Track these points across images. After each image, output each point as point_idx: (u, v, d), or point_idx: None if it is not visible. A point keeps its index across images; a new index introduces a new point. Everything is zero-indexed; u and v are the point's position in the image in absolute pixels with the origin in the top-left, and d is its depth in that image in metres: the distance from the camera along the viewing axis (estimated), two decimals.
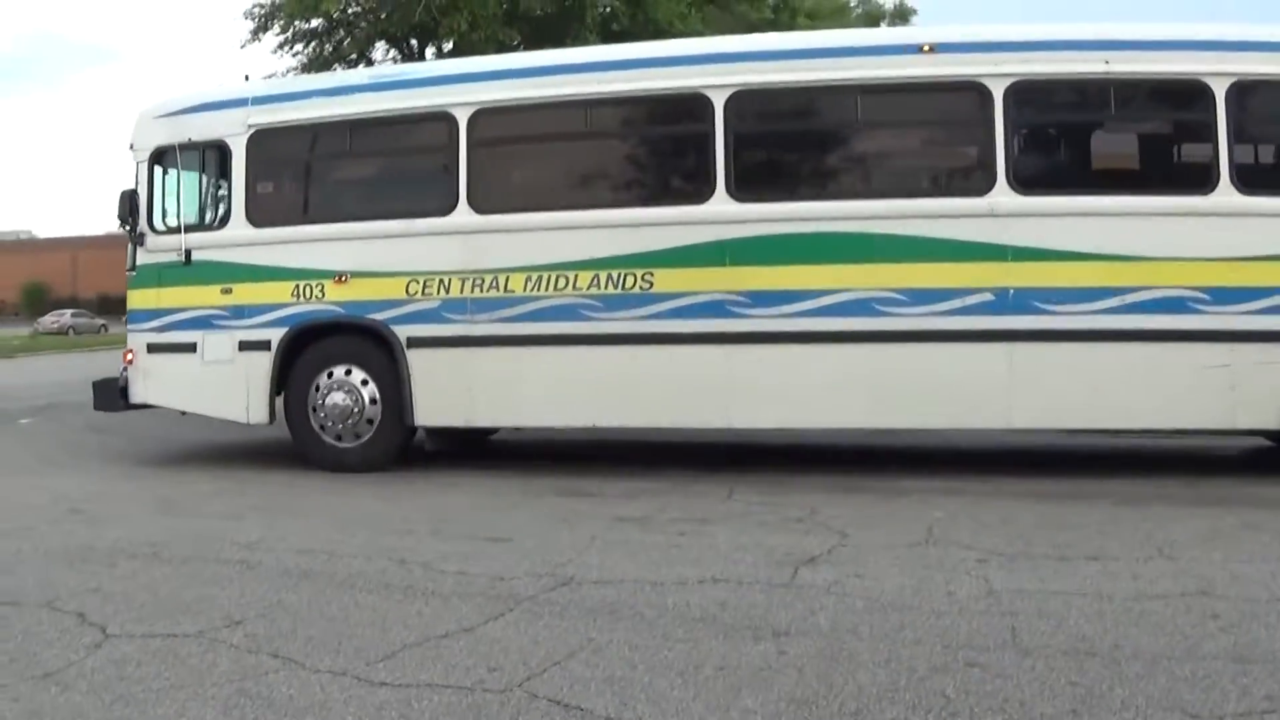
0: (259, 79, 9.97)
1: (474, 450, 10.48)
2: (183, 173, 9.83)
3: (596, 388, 8.57)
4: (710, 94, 8.21)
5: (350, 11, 22.59)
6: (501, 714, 3.86)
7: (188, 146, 9.64)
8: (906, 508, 7.13)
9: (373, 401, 9.10)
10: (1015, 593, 5.10)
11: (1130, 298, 7.63)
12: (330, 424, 9.20)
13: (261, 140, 9.45)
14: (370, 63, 23.89)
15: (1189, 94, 7.80)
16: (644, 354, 8.36)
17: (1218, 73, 7.61)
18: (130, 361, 9.93)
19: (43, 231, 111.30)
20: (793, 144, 8.83)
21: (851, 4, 36.10)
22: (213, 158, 9.63)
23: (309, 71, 23.01)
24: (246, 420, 9.48)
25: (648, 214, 8.47)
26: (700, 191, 8.33)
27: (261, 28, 23.46)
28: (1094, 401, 7.81)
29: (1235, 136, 7.62)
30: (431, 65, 9.08)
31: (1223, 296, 7.57)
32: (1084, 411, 7.92)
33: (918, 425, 8.45)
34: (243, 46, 23.86)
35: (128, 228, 9.86)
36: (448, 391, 8.94)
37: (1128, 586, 5.15)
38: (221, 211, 9.64)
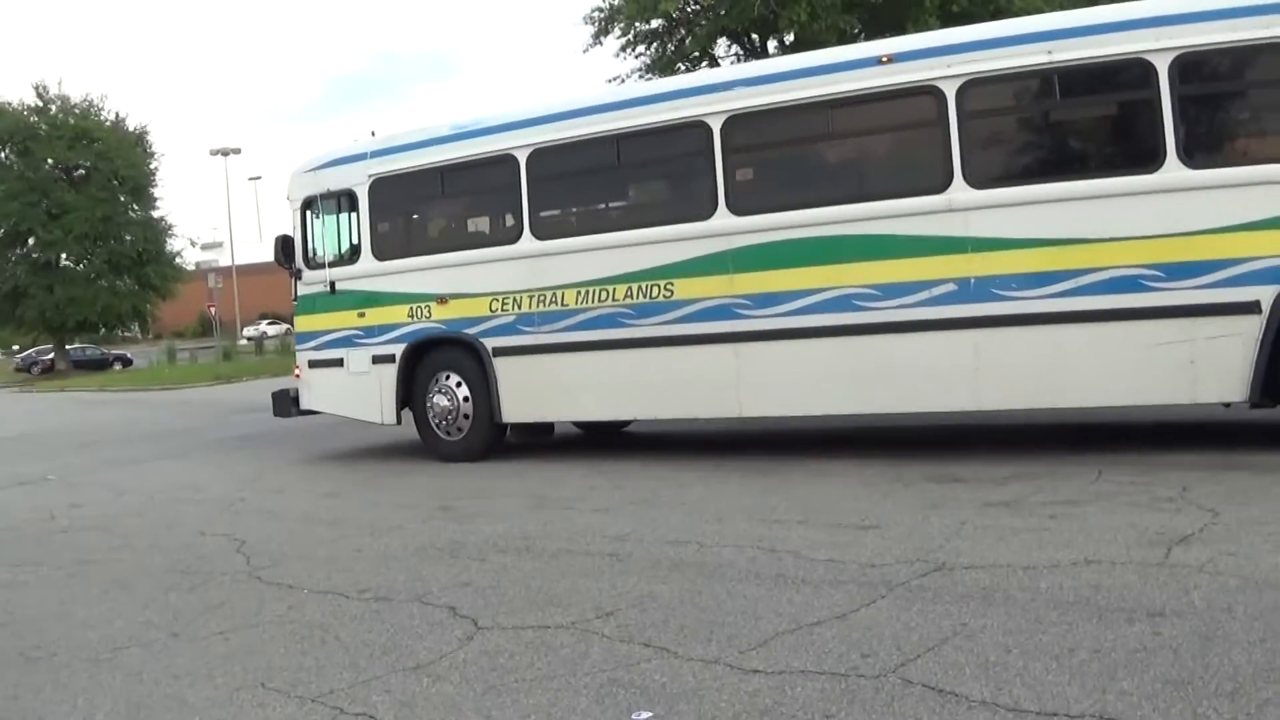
0: (385, 131, 12.18)
1: (544, 441, 12.36)
2: (325, 217, 12.44)
3: (633, 384, 10.23)
4: (710, 121, 9.60)
5: (690, 10, 24.14)
6: (875, 700, 3.94)
7: (327, 195, 12.24)
8: None
9: (466, 401, 11.29)
10: None
11: (1086, 279, 8.21)
12: (439, 421, 11.53)
13: (379, 187, 11.85)
14: (714, 59, 25.41)
15: (1132, 73, 8.19)
16: (669, 354, 9.91)
17: (1158, 49, 7.97)
18: (298, 375, 12.82)
19: None
20: (777, 160, 10.04)
21: None
22: (345, 204, 12.13)
23: (652, 71, 25.09)
24: (381, 421, 11.96)
25: (666, 231, 9.96)
26: (707, 208, 9.74)
27: (602, 31, 25.25)
28: (1057, 381, 8.46)
29: (1180, 111, 7.95)
30: (497, 114, 10.93)
31: (1176, 272, 7.97)
32: (1048, 391, 8.57)
33: (894, 409, 9.42)
34: (585, 51, 26.62)
35: (286, 267, 12.72)
36: (524, 392, 10.94)
37: None
38: (354, 248, 12.15)
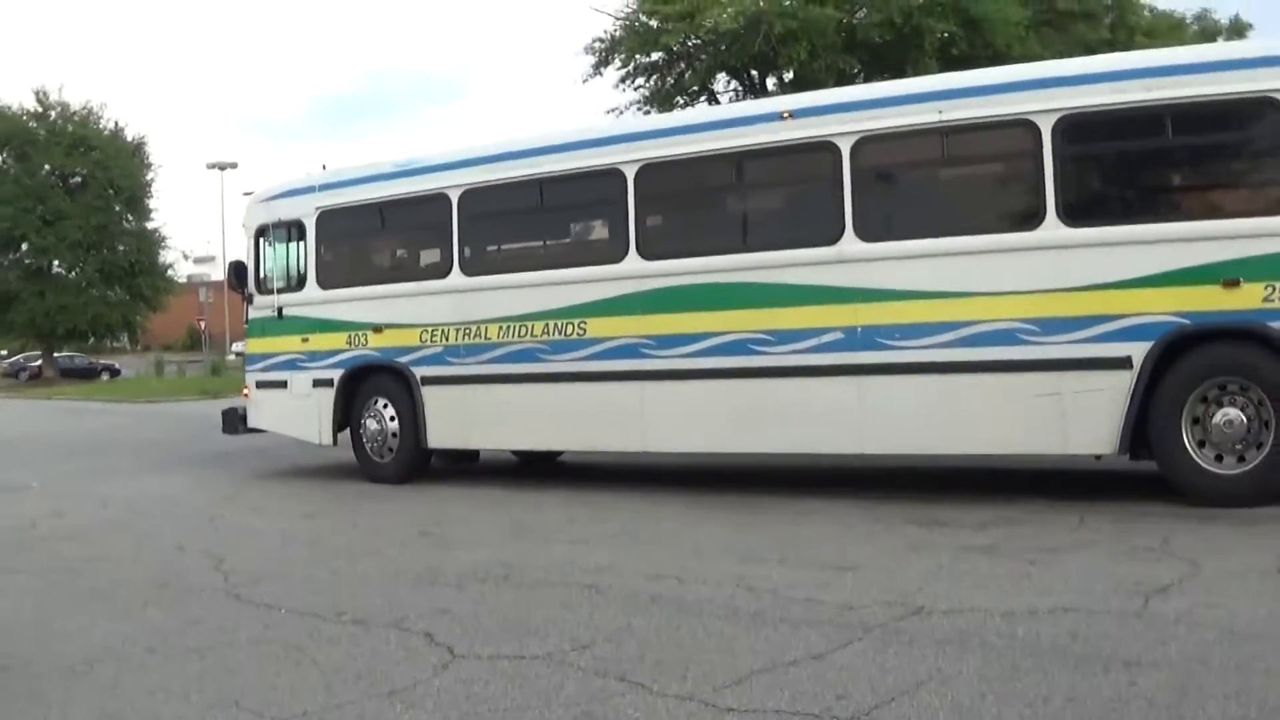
0: (330, 167, 13.02)
1: (465, 467, 12.96)
2: (276, 245, 13.12)
3: (548, 416, 10.82)
4: (625, 169, 10.19)
5: (690, 44, 24.93)
6: None
7: (278, 224, 12.95)
8: (1261, 536, 7.21)
9: (393, 423, 11.91)
10: None
11: (965, 331, 8.68)
12: (370, 444, 12.17)
13: (325, 219, 12.52)
14: (712, 95, 26.34)
15: (1016, 133, 8.65)
16: (582, 389, 10.49)
17: (1042, 110, 8.45)
18: (247, 394, 13.51)
19: None
20: (685, 208, 10.70)
21: (1188, 20, 35.96)
22: (295, 233, 12.82)
23: (651, 104, 26.09)
24: (319, 442, 12.60)
25: (582, 273, 10.58)
26: (619, 252, 10.35)
27: (602, 62, 26.27)
28: (937, 429, 8.92)
29: (1061, 170, 8.43)
30: (435, 153, 11.71)
31: (1050, 327, 8.41)
32: (928, 438, 9.04)
33: (785, 450, 9.95)
34: (584, 81, 26.90)
35: (238, 291, 13.50)
36: (449, 419, 11.52)
37: None
38: (301, 276, 12.81)
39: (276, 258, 13.23)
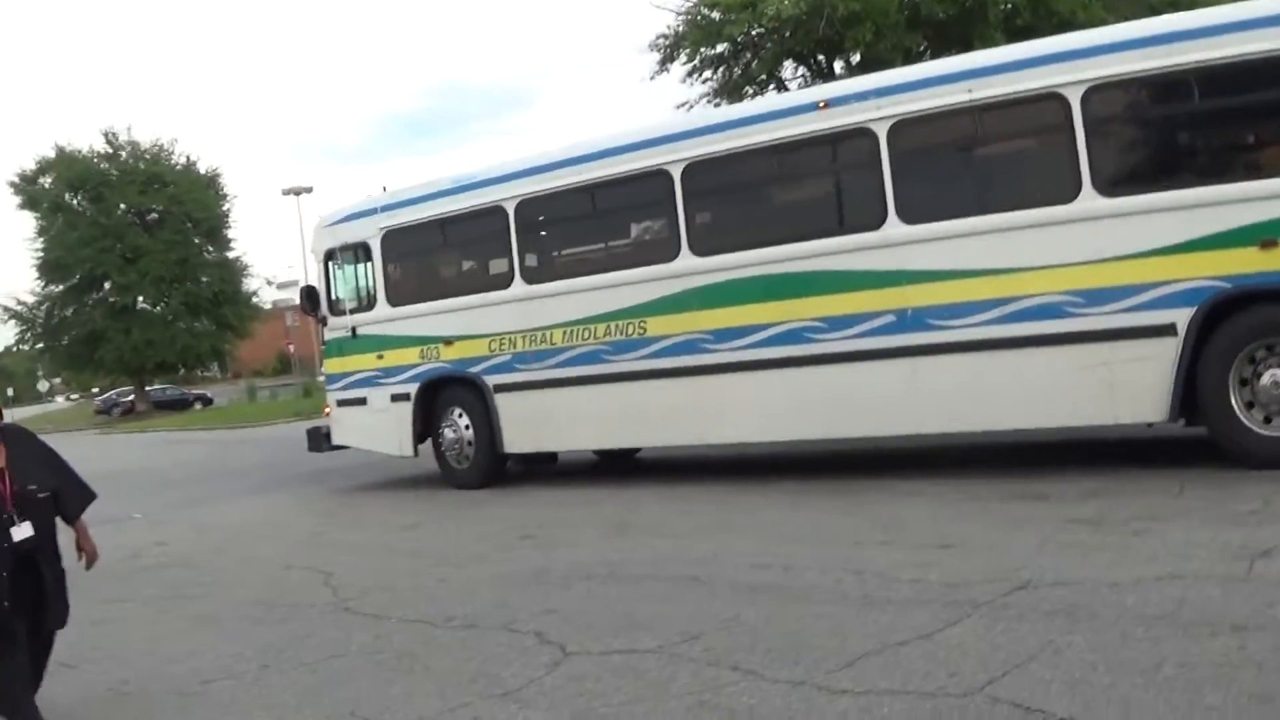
0: (394, 187, 13.67)
1: (544, 469, 13.55)
2: (345, 267, 14.00)
3: (616, 415, 11.42)
4: (670, 169, 10.74)
5: (754, 34, 24.95)
6: (963, 719, 4.12)
7: (345, 248, 13.81)
8: None
9: (468, 432, 12.68)
10: None
11: (1011, 307, 8.99)
12: (448, 452, 12.94)
13: (389, 239, 13.34)
14: (780, 82, 26.46)
15: (1047, 106, 8.92)
16: (645, 387, 11.05)
17: (1071, 81, 8.70)
18: (328, 413, 14.40)
19: None
20: (731, 202, 11.15)
21: None
22: (361, 254, 13.66)
23: (720, 96, 26.33)
24: (400, 454, 13.41)
25: (637, 274, 11.15)
26: (671, 251, 10.90)
27: (668, 58, 26.55)
28: (989, 405, 9.24)
29: (1093, 141, 8.66)
30: (489, 167, 12.34)
31: (1095, 298, 8.67)
32: (981, 415, 9.36)
33: (845, 434, 10.32)
34: (651, 78, 26.99)
35: (311, 314, 14.37)
36: (522, 424, 12.21)
37: None
38: (371, 296, 13.65)
39: (346, 279, 14.08)
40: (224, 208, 56.34)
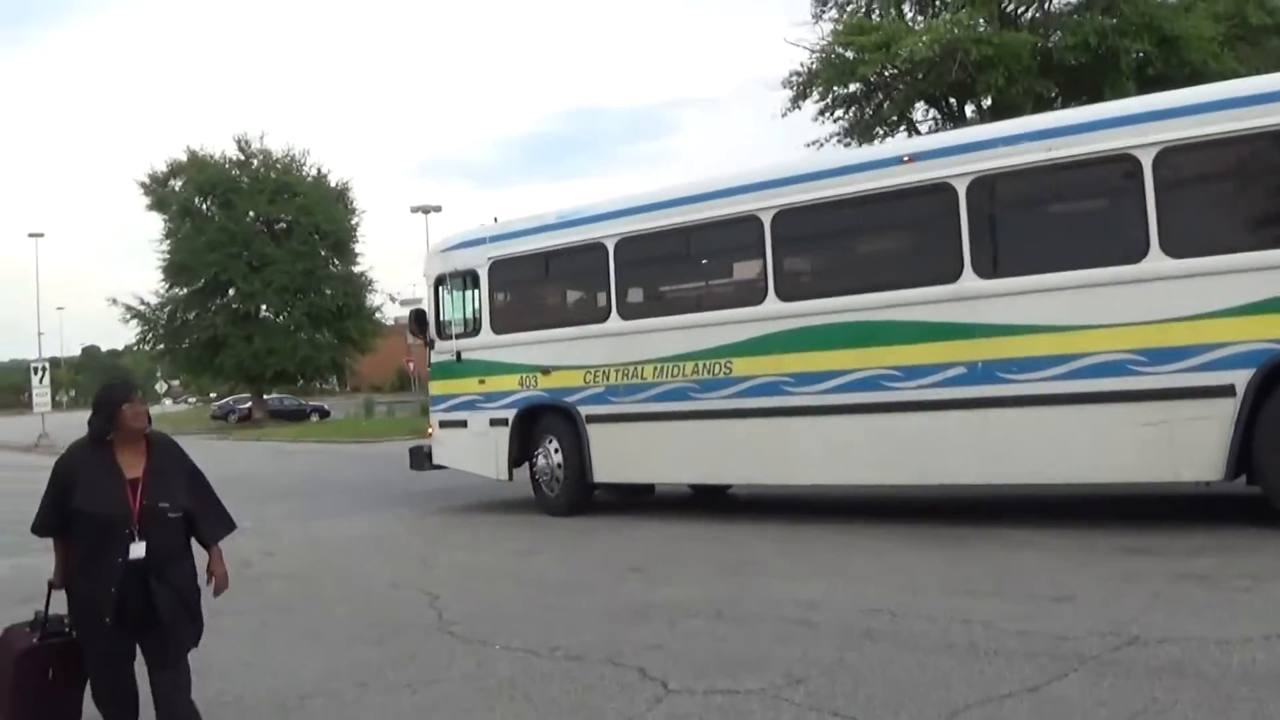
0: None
1: (639, 500, 14.33)
2: (454, 293, 15.19)
3: (701, 451, 12.25)
4: (761, 215, 11.61)
5: (887, 74, 26.27)
6: None
7: (455, 274, 14.99)
8: None
9: (559, 458, 13.67)
10: None
11: (1079, 363, 9.55)
12: (542, 478, 13.96)
13: (496, 268, 14.49)
14: (911, 124, 27.75)
15: (1120, 168, 9.50)
16: (729, 425, 11.87)
17: (1144, 144, 9.28)
18: (431, 433, 15.58)
19: None
20: (817, 249, 11.99)
21: None
22: (470, 282, 14.84)
23: (851, 135, 27.60)
24: (496, 477, 14.48)
25: (726, 315, 12.03)
26: (759, 294, 11.74)
27: (800, 95, 27.66)
28: (1055, 458, 9.75)
29: (1163, 203, 9.22)
30: (593, 204, 13.20)
31: (1158, 357, 9.20)
32: (1048, 467, 9.87)
33: (916, 482, 10.99)
34: (784, 115, 28.04)
35: (420, 337, 15.56)
36: (612, 455, 13.16)
37: None
38: (476, 322, 14.81)
39: (454, 305, 15.27)
40: (353, 221, 58.14)
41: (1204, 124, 9.21)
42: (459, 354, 14.95)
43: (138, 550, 4.93)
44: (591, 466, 13.44)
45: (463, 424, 14.93)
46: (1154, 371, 9.34)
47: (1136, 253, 9.47)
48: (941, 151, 10.77)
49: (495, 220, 15.22)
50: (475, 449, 14.75)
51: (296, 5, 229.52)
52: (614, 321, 13.25)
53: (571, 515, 13.61)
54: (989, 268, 10.28)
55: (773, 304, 11.73)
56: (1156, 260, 9.35)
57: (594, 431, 13.38)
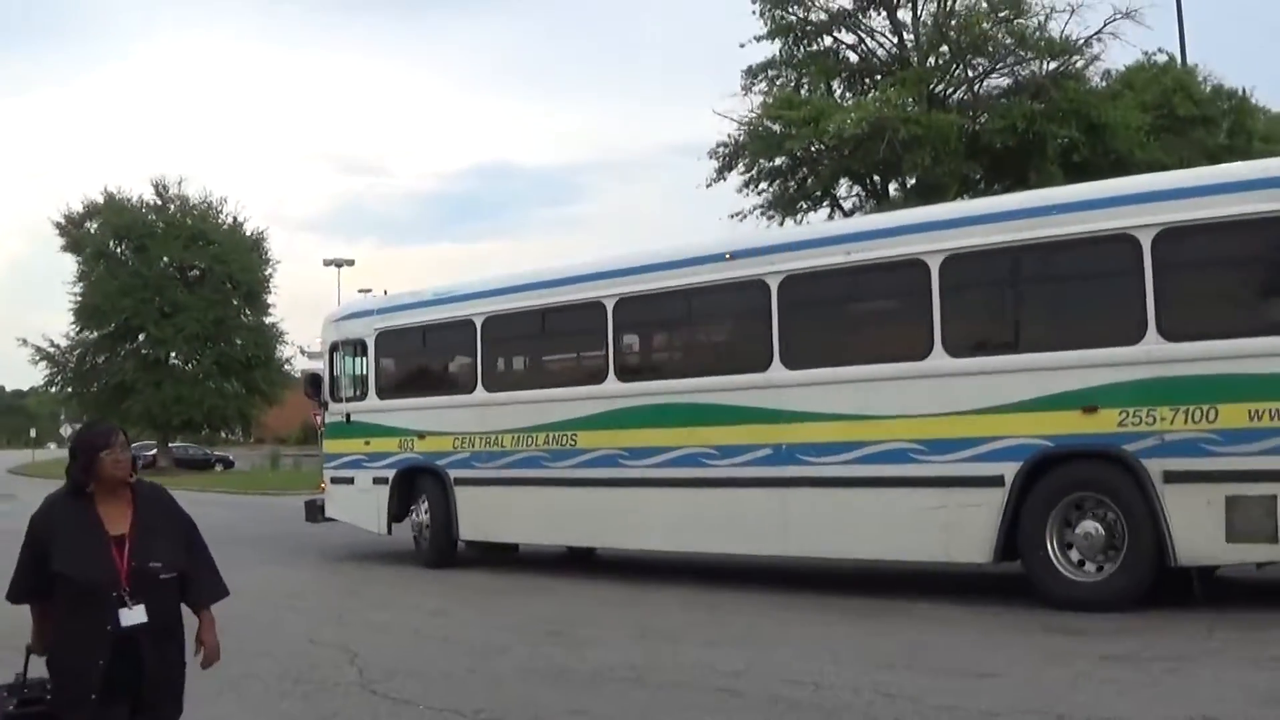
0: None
1: (498, 558, 15.85)
2: (346, 359, 16.96)
3: (548, 515, 13.98)
4: (605, 301, 13.38)
5: (814, 149, 27.76)
6: None
7: (345, 342, 16.74)
8: None
9: (427, 516, 15.43)
10: None
11: (869, 450, 11.10)
12: (415, 534, 15.67)
13: (382, 338, 16.21)
14: (835, 201, 29.27)
15: (911, 272, 10.96)
16: (570, 493, 13.65)
17: (931, 250, 10.84)
18: (323, 488, 17.30)
19: None
20: (649, 335, 13.92)
21: None
22: (359, 349, 16.59)
23: (775, 209, 29.06)
24: (378, 532, 16.09)
25: (572, 391, 13.87)
26: (601, 374, 13.52)
27: (726, 167, 29.36)
28: (847, 537, 11.32)
29: (945, 306, 10.69)
30: (465, 283, 15.95)
31: (937, 447, 10.66)
32: (838, 543, 11.50)
33: (729, 551, 12.65)
34: (708, 185, 29.63)
35: (314, 399, 17.45)
36: (476, 515, 14.84)
37: None
38: (364, 387, 16.56)
39: (345, 371, 17.10)
40: (266, 272, 59.64)
41: (981, 235, 10.88)
42: (349, 416, 16.74)
43: (130, 617, 4.54)
44: (457, 525, 15.19)
45: (351, 480, 16.70)
46: (933, 460, 10.81)
47: (921, 351, 11.03)
48: (758, 251, 12.65)
49: (384, 294, 17.47)
50: (361, 505, 16.51)
51: (218, 52, 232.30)
52: (479, 393, 15.03)
53: (439, 569, 15.28)
54: (793, 359, 11.93)
55: (613, 384, 13.49)
56: (939, 359, 10.90)
57: (460, 493, 15.12)
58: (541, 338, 15.01)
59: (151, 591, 4.62)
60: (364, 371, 16.89)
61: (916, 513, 10.95)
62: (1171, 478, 9.64)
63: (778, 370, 12.08)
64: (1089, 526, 10.11)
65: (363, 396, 16.80)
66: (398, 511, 16.13)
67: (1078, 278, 10.76)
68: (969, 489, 10.67)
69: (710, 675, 7.70)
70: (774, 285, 12.09)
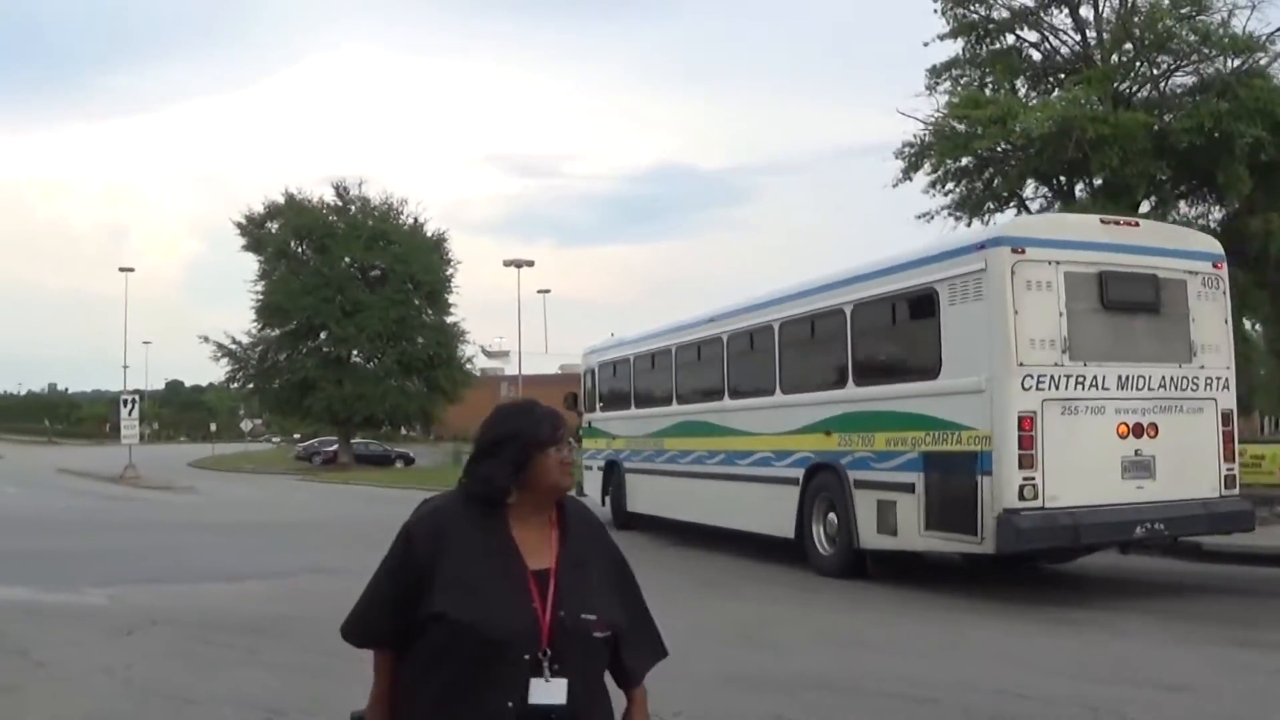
0: (617, 334, 26.43)
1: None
2: (585, 382, 27.28)
3: (676, 500, 22.27)
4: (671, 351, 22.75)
5: (1001, 149, 30.52)
6: None
7: (586, 371, 26.97)
8: None
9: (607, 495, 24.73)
10: None
11: (754, 457, 18.21)
12: (609, 507, 25.23)
13: (599, 369, 26.03)
14: (1022, 201, 32.30)
15: (766, 336, 18.24)
16: (668, 482, 22.46)
17: (773, 320, 18.04)
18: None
19: None
20: (686, 371, 22.10)
21: None
22: (590, 378, 26.62)
23: (961, 210, 32.43)
24: (596, 504, 25.10)
25: (658, 410, 23.00)
26: (669, 399, 22.26)
27: (912, 167, 32.44)
28: (747, 516, 18.69)
29: (782, 358, 17.73)
30: (624, 337, 26.34)
31: (777, 457, 17.46)
32: (745, 522, 18.87)
33: (721, 525, 19.91)
34: (894, 185, 31.78)
35: (574, 410, 27.05)
36: (637, 495, 24.08)
37: None
38: (590, 404, 26.61)
39: (585, 390, 27.09)
40: (448, 272, 66.00)
41: (796, 306, 18.19)
42: (590, 423, 26.48)
43: (544, 693, 3.39)
44: (626, 501, 24.75)
45: (589, 468, 26.42)
46: (774, 465, 17.84)
47: (771, 389, 18.22)
48: (719, 317, 20.59)
49: (612, 335, 27.06)
50: (592, 485, 26.22)
51: (388, 59, 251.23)
52: (634, 408, 24.42)
53: (619, 530, 23.30)
54: (731, 392, 19.61)
55: (673, 405, 22.18)
56: (779, 395, 17.97)
57: (629, 480, 24.43)
58: (651, 372, 24.00)
59: (580, 657, 3.46)
60: (593, 391, 26.73)
61: (767, 501, 18.12)
62: (857, 485, 15.49)
63: (726, 399, 20.06)
64: (831, 517, 16.43)
65: (592, 409, 26.69)
66: (605, 488, 25.53)
67: (826, 339, 17.23)
68: (783, 486, 17.30)
69: (898, 684, 8.54)
70: (725, 340, 20.28)
